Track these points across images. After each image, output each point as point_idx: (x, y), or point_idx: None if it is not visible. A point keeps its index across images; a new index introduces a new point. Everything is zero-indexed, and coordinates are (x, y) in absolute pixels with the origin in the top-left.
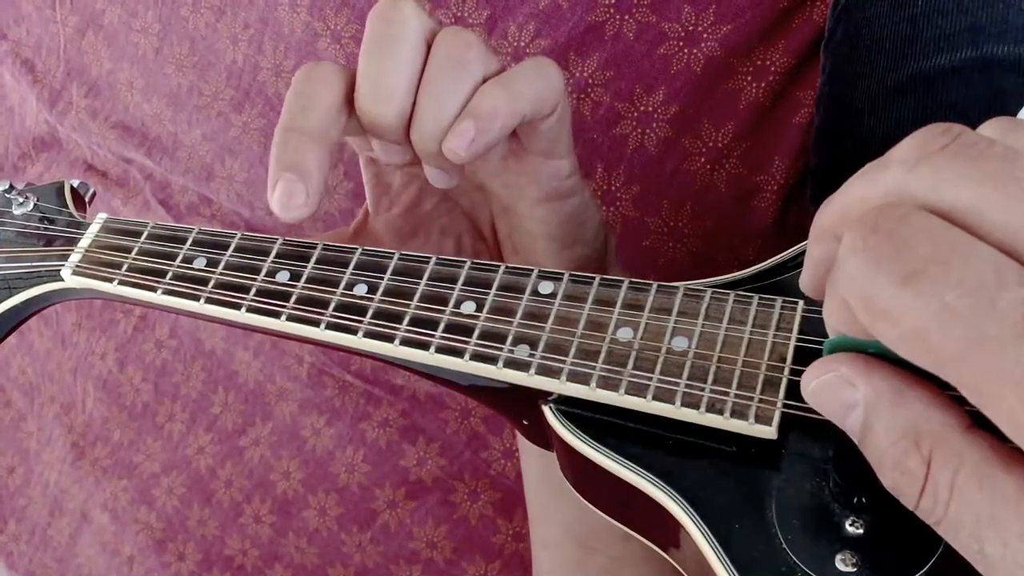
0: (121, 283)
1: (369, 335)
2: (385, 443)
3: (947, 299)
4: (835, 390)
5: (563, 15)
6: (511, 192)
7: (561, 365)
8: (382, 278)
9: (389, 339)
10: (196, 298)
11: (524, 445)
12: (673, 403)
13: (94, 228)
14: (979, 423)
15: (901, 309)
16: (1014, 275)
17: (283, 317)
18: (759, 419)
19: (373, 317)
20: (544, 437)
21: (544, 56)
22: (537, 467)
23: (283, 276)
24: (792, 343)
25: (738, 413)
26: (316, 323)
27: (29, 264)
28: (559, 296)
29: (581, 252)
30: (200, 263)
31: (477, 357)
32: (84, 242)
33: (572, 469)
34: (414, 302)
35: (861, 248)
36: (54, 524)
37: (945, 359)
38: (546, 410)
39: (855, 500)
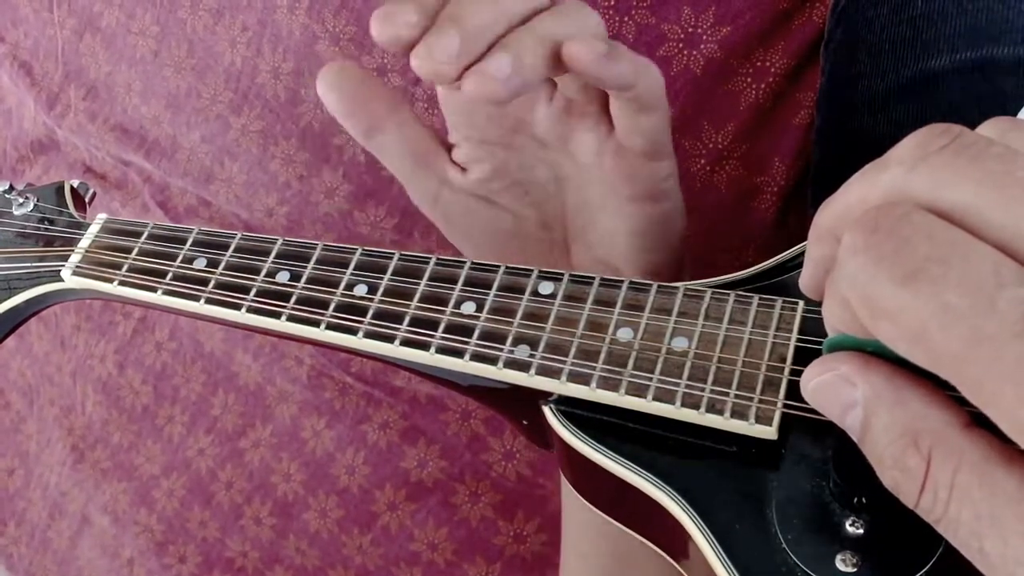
0: (121, 283)
1: (369, 335)
2: (385, 445)
3: (947, 298)
4: (834, 389)
5: None
6: (602, 188)
7: (561, 365)
8: (382, 278)
9: (389, 339)
10: (196, 298)
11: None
12: (673, 403)
13: (94, 228)
14: (979, 422)
15: (901, 308)
16: (1013, 274)
17: (283, 317)
18: (759, 419)
19: (373, 317)
20: (544, 437)
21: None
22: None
23: (283, 276)
24: (792, 343)
25: (738, 413)
26: (316, 323)
27: (29, 264)
28: (559, 296)
29: (662, 258)
30: (200, 263)
31: (477, 357)
32: (84, 242)
33: (572, 469)
34: (414, 302)
35: (862, 247)
36: (54, 526)
37: (945, 358)
38: (546, 410)
39: (855, 500)
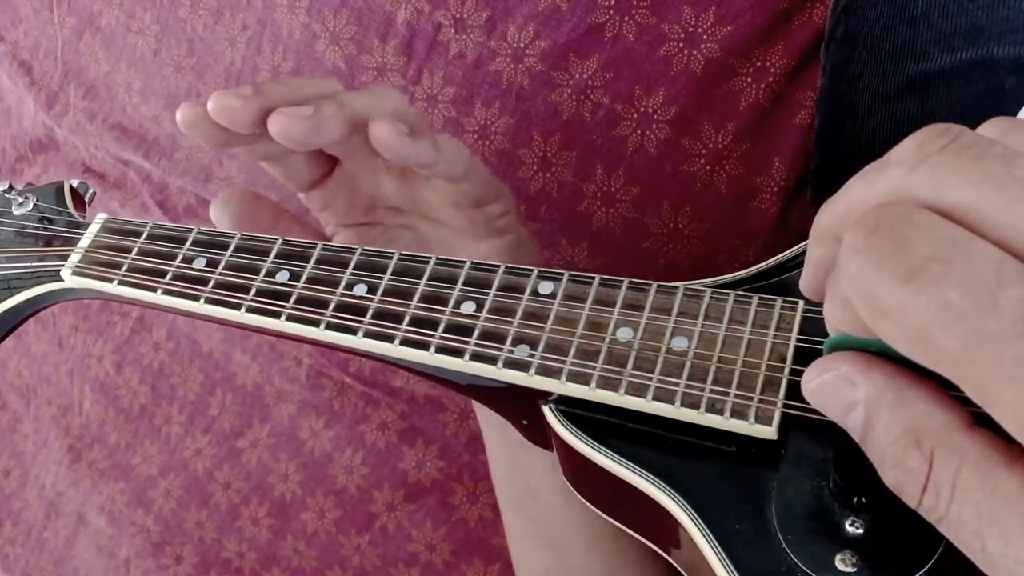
0: (121, 283)
1: (369, 335)
2: (384, 445)
3: (949, 297)
4: (836, 389)
5: (563, 16)
6: (454, 234)
7: (561, 365)
8: (382, 278)
9: (389, 339)
10: (196, 298)
11: (495, 469)
12: (673, 403)
13: (94, 228)
14: (981, 422)
15: (903, 307)
16: (1015, 273)
17: (283, 317)
18: (759, 419)
19: (373, 317)
20: (544, 437)
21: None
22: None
23: (283, 276)
24: (792, 343)
25: (738, 413)
26: (316, 323)
27: (29, 264)
28: (559, 296)
29: None
30: (200, 263)
31: (477, 357)
32: (84, 242)
33: (572, 469)
34: (414, 302)
35: (863, 247)
36: (50, 527)
37: (947, 357)
38: (546, 410)
39: (855, 500)
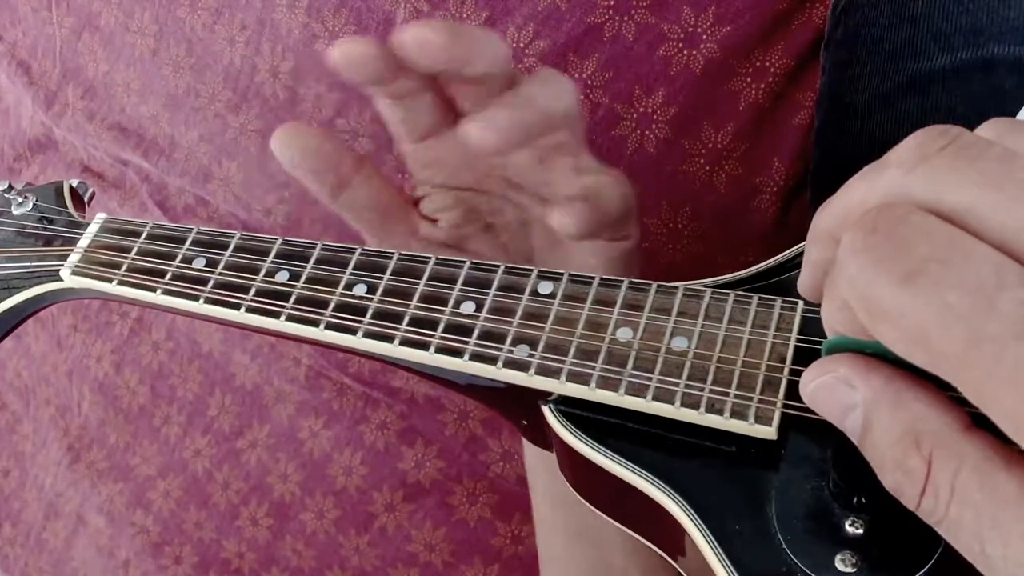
0: (120, 283)
1: (369, 335)
2: (383, 445)
3: (947, 299)
4: (834, 391)
5: (562, 16)
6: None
7: (561, 365)
8: (381, 278)
9: (389, 339)
10: (195, 298)
11: (531, 461)
12: (673, 403)
13: (93, 228)
14: (980, 423)
15: (901, 309)
16: (1014, 275)
17: (282, 317)
18: (759, 419)
19: (373, 317)
20: (544, 437)
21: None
22: (544, 486)
23: (282, 276)
24: (792, 343)
25: (738, 413)
26: (315, 323)
27: (28, 264)
28: (558, 296)
29: None
30: (199, 263)
31: (477, 357)
32: (83, 242)
33: (572, 469)
34: (414, 302)
35: (861, 248)
36: (49, 527)
37: (945, 359)
38: (546, 410)
39: (855, 500)
